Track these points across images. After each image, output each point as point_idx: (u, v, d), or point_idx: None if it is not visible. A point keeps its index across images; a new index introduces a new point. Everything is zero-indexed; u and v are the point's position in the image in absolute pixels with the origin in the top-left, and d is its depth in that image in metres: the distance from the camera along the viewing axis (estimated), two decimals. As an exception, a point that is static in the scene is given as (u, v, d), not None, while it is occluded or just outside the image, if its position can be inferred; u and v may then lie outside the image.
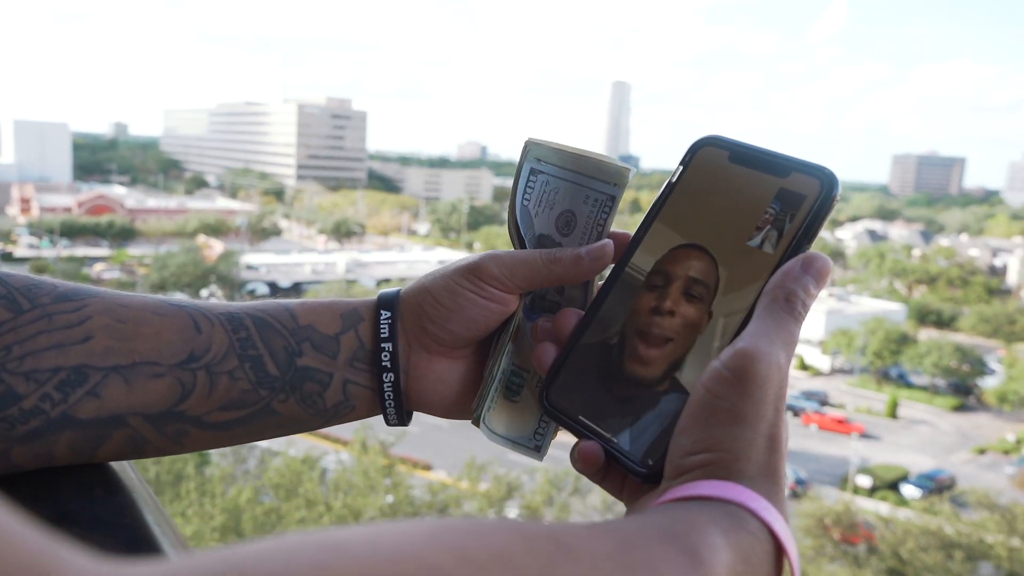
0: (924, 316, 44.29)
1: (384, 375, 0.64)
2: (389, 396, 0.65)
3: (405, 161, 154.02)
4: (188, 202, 77.01)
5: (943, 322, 44.42)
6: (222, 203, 79.86)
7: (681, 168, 0.62)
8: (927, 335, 40.73)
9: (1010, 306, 46.14)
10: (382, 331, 0.65)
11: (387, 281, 39.78)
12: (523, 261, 0.65)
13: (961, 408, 34.69)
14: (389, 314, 0.65)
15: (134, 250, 53.30)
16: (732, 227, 0.58)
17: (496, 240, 58.03)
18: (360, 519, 13.35)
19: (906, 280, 53.89)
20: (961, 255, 60.97)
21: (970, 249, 65.76)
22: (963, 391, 35.88)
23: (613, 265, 0.63)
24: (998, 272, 62.95)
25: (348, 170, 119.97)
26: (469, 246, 63.98)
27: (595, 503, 15.90)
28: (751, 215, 0.57)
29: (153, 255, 44.20)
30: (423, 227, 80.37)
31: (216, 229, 57.46)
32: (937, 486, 24.47)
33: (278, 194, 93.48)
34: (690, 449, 0.51)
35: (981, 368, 35.43)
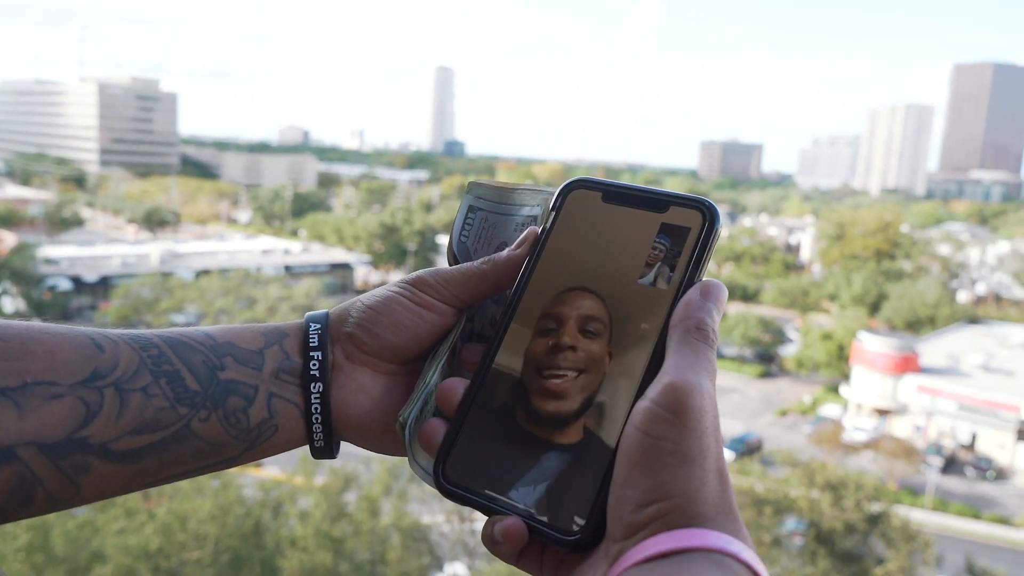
0: (732, 291, 47.55)
1: (312, 385, 0.59)
2: (316, 410, 0.59)
3: (222, 146, 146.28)
4: (-30, 190, 69.22)
5: (748, 296, 48.12)
6: (12, 191, 72.42)
7: (553, 213, 0.60)
8: (734, 309, 43.96)
9: (804, 280, 50.72)
10: (311, 340, 0.60)
11: (207, 272, 37.64)
12: (458, 269, 0.62)
13: (765, 375, 37.80)
14: (319, 326, 0.61)
15: (-95, 245, 47.27)
16: (618, 267, 0.56)
17: (323, 227, 56.50)
18: (187, 525, 12.64)
19: (716, 258, 57.87)
20: (761, 234, 66.25)
21: (769, 228, 71.60)
22: (766, 359, 39.10)
23: (496, 328, 0.60)
24: (793, 249, 68.94)
25: (158, 155, 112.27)
26: (294, 233, 61.91)
27: (433, 488, 15.92)
28: (637, 253, 0.56)
29: (-71, 250, 39.38)
30: (244, 215, 76.84)
31: (6, 219, 52.06)
32: (747, 448, 26.54)
33: (79, 181, 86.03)
34: (640, 501, 0.47)
35: (781, 337, 38.75)
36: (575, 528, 0.50)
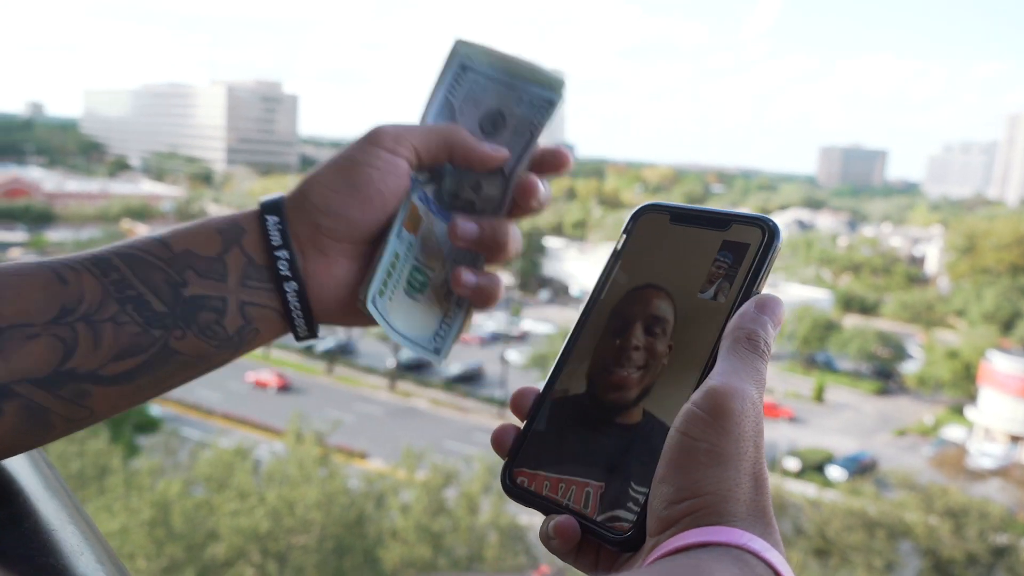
0: (849, 303, 45.77)
1: (285, 284, 0.58)
2: (296, 308, 0.59)
3: (338, 145, 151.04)
4: (111, 186, 74.22)
5: (867, 309, 45.98)
6: (147, 187, 77.29)
7: (625, 236, 0.63)
8: (852, 322, 42.12)
9: (928, 294, 48.05)
10: (272, 238, 0.59)
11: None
12: (420, 124, 0.63)
13: (883, 392, 36.00)
14: (277, 219, 0.59)
15: (53, 235, 51.18)
16: (683, 281, 0.59)
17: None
18: (295, 511, 13.11)
19: (832, 268, 55.60)
20: (884, 244, 63.19)
21: (892, 238, 68.21)
22: (885, 375, 37.23)
23: (566, 340, 0.62)
24: (917, 261, 65.45)
25: (280, 154, 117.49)
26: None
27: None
28: (700, 269, 0.59)
29: (74, 240, 42.48)
30: (358, 213, 79.20)
31: (141, 214, 55.60)
32: (860, 468, 25.34)
33: (206, 178, 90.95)
34: (673, 498, 0.48)
35: (901, 353, 36.82)
36: (625, 527, 0.53)
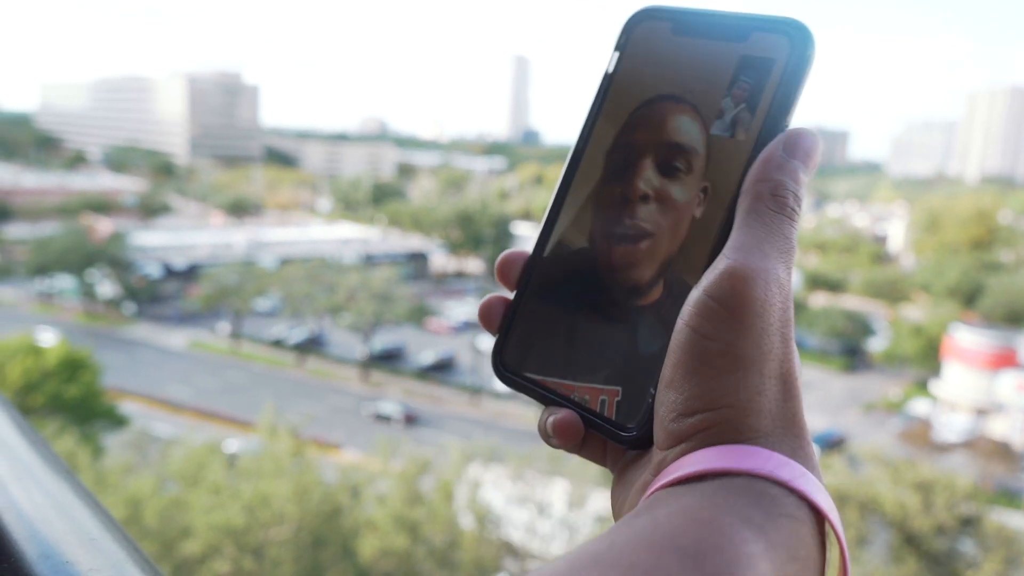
0: (816, 282, 46.35)
1: None
2: None
3: (303, 136, 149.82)
4: (69, 180, 72.67)
5: (833, 287, 46.59)
6: (107, 181, 75.81)
7: (618, 54, 0.50)
8: (819, 300, 42.67)
9: (893, 270, 48.85)
10: None
11: (289, 261, 38.61)
12: None
13: (850, 369, 36.56)
14: None
15: (12, 230, 49.99)
16: (701, 103, 0.46)
17: (401, 215, 57.25)
18: (270, 504, 12.99)
19: (800, 247, 56.07)
20: (848, 223, 64.08)
21: (856, 217, 69.17)
22: (852, 353, 37.82)
23: (555, 189, 0.50)
24: (881, 239, 66.48)
25: (242, 146, 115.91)
26: (371, 221, 62.99)
27: (506, 472, 15.97)
28: (712, 96, 0.45)
29: (33, 237, 41.53)
30: (324, 203, 78.55)
31: (102, 207, 54.48)
32: (830, 445, 25.74)
33: (168, 171, 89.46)
34: (683, 409, 0.40)
35: (867, 330, 37.42)
36: (631, 425, 0.44)
